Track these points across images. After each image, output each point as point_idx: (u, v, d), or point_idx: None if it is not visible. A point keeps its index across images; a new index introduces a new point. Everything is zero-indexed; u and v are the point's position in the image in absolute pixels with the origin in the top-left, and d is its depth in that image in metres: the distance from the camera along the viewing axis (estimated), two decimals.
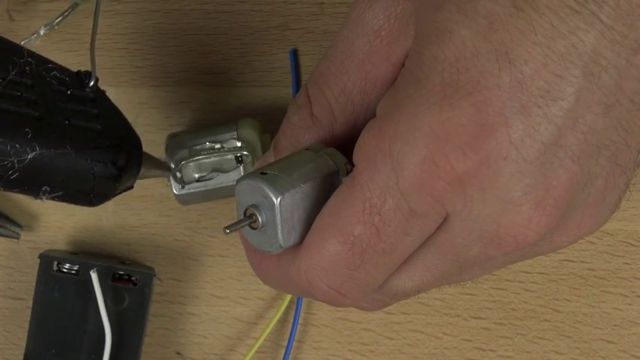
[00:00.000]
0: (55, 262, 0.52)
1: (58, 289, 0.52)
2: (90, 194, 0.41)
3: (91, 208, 0.54)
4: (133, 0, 0.55)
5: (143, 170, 0.44)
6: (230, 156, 0.50)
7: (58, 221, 0.55)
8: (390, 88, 0.35)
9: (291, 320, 0.53)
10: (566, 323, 0.53)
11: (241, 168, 0.50)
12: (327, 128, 0.38)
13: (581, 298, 0.53)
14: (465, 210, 0.34)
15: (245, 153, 0.50)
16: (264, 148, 0.51)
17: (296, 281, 0.37)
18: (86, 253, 0.55)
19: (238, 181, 0.37)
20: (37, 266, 0.52)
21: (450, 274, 0.38)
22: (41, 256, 0.53)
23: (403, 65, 0.35)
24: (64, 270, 0.52)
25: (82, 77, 0.43)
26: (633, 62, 0.33)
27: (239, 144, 0.51)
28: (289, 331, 0.53)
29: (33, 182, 0.39)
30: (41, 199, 0.40)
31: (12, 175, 0.38)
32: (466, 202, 0.33)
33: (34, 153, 0.38)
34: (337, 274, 0.36)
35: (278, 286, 0.41)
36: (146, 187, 0.54)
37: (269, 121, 0.52)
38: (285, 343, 0.54)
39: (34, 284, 0.52)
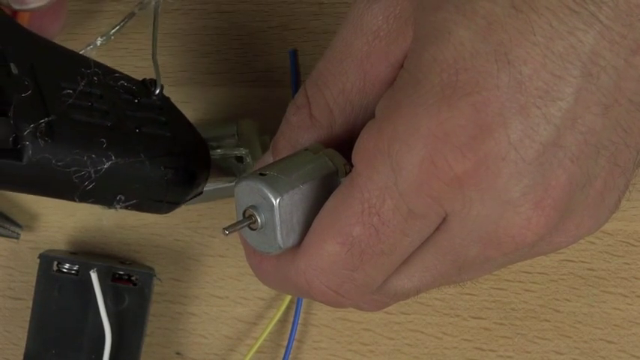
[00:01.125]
0: (55, 262, 0.52)
1: (58, 289, 0.52)
2: (163, 201, 0.42)
3: (91, 208, 0.55)
4: (133, 0, 0.55)
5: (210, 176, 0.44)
6: (230, 156, 0.50)
7: (58, 221, 0.55)
8: (389, 88, 0.35)
9: (291, 320, 0.53)
10: (566, 323, 0.53)
11: (241, 168, 0.50)
12: (326, 129, 0.38)
13: (581, 298, 0.53)
14: (464, 211, 0.34)
15: (245, 153, 0.50)
16: (264, 148, 0.51)
17: (295, 282, 0.37)
18: (86, 253, 0.55)
19: (237, 182, 0.37)
20: (37, 266, 0.52)
21: (449, 275, 0.38)
22: (41, 256, 0.53)
23: (402, 66, 0.35)
24: (64, 270, 0.52)
25: (147, 85, 0.43)
26: (632, 63, 0.33)
27: (239, 144, 0.50)
28: (289, 331, 0.53)
29: (108, 191, 0.39)
30: (115, 208, 0.40)
31: (88, 185, 0.38)
32: (465, 202, 0.33)
33: (109, 162, 0.38)
34: (336, 274, 0.36)
35: (277, 287, 0.41)
36: None
37: (269, 121, 0.52)
38: (285, 343, 0.54)
39: (34, 284, 0.52)
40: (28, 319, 0.52)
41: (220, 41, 0.54)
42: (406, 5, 0.36)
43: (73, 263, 0.52)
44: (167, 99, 0.44)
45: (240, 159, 0.50)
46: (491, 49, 0.32)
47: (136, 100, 0.42)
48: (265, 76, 0.54)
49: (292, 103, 0.39)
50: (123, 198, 0.40)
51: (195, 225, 0.55)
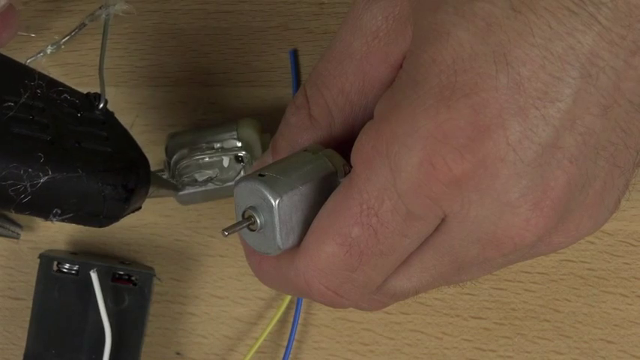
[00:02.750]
0: (55, 262, 0.52)
1: (58, 289, 0.52)
2: (100, 216, 0.42)
3: None
4: (132, 0, 0.55)
5: (151, 190, 0.44)
6: (230, 156, 0.50)
7: None
8: (388, 89, 0.35)
9: (291, 320, 0.53)
10: (566, 323, 0.53)
11: (241, 168, 0.50)
12: (325, 129, 0.38)
13: (581, 298, 0.52)
14: (463, 212, 0.34)
15: (245, 153, 0.50)
16: (264, 148, 0.51)
17: (294, 282, 0.37)
18: (86, 253, 0.55)
19: (236, 183, 0.37)
20: (37, 266, 0.52)
21: (448, 275, 0.38)
22: (41, 256, 0.53)
23: (401, 66, 0.35)
24: (64, 270, 0.52)
25: (91, 99, 0.43)
26: (631, 63, 0.33)
27: (239, 144, 0.50)
28: (289, 331, 0.53)
29: (44, 205, 0.39)
30: (52, 220, 0.40)
31: (24, 198, 0.38)
32: (463, 203, 0.33)
33: (46, 177, 0.38)
34: (335, 275, 0.36)
35: (277, 287, 0.41)
36: None
37: (269, 121, 0.52)
38: (285, 343, 0.54)
39: (34, 284, 0.52)
40: (28, 319, 0.52)
41: (220, 41, 0.54)
42: (405, 6, 0.36)
43: (73, 263, 0.52)
44: (111, 114, 0.43)
45: (240, 159, 0.50)
46: (490, 50, 0.32)
47: (79, 114, 0.42)
48: (265, 76, 0.54)
49: (291, 103, 0.39)
50: (59, 212, 0.40)
51: (195, 225, 0.55)
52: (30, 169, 0.37)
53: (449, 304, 0.53)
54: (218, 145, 0.51)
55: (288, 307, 0.54)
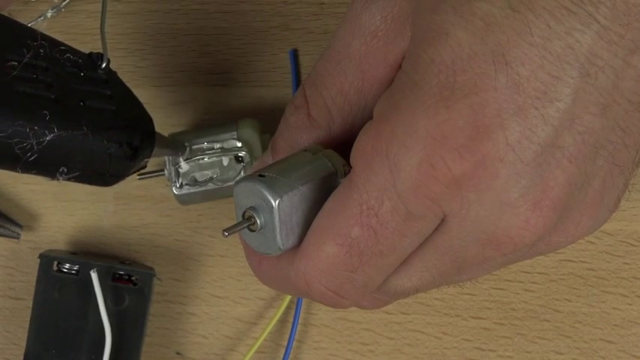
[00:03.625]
0: (55, 262, 0.52)
1: (58, 289, 0.52)
2: (105, 174, 0.42)
3: (91, 208, 0.55)
4: (133, 0, 0.55)
5: (156, 149, 0.44)
6: (230, 156, 0.50)
7: (58, 221, 0.55)
8: (387, 89, 0.35)
9: (291, 320, 0.53)
10: (566, 323, 0.53)
11: (241, 168, 0.50)
12: (324, 129, 0.38)
13: (581, 298, 0.52)
14: (462, 212, 0.34)
15: (245, 153, 0.50)
16: (264, 148, 0.51)
17: (294, 283, 0.37)
18: (86, 253, 0.55)
19: (236, 183, 0.37)
20: (37, 266, 0.52)
21: (448, 275, 0.38)
22: (41, 256, 0.53)
23: (400, 66, 0.35)
24: (64, 270, 0.52)
25: (94, 59, 0.43)
26: (630, 62, 0.33)
27: (239, 144, 0.50)
28: (289, 331, 0.53)
29: (51, 164, 0.39)
30: (58, 179, 0.40)
31: (30, 156, 0.38)
32: (463, 203, 0.33)
33: (52, 135, 0.38)
34: (335, 276, 0.36)
35: (277, 288, 0.41)
36: (146, 187, 0.54)
37: (269, 121, 0.52)
38: (285, 343, 0.54)
39: (34, 284, 0.52)
40: (28, 319, 0.52)
41: (220, 41, 0.54)
42: (404, 6, 0.36)
43: (73, 263, 0.52)
44: (114, 73, 0.44)
45: (240, 159, 0.50)
46: (488, 50, 0.32)
47: (82, 74, 0.42)
48: (265, 76, 0.54)
49: (290, 103, 0.39)
50: (65, 170, 0.40)
51: (195, 225, 0.55)
52: (36, 127, 0.38)
53: (449, 304, 0.53)
54: (218, 145, 0.51)
55: (288, 307, 0.54)
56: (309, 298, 0.39)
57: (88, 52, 0.43)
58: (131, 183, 0.54)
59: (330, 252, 0.36)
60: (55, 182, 0.54)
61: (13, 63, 0.38)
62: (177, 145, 0.49)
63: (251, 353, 0.53)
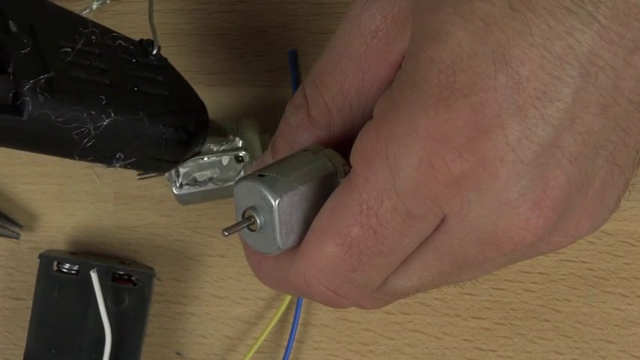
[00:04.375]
0: (55, 262, 0.52)
1: (58, 289, 0.52)
2: (161, 160, 0.42)
3: (91, 208, 0.55)
4: (133, 0, 0.55)
5: (208, 136, 0.44)
6: (230, 156, 0.50)
7: (58, 221, 0.55)
8: (387, 89, 0.35)
9: (291, 320, 0.53)
10: (566, 323, 0.53)
11: (241, 168, 0.50)
12: (324, 129, 0.38)
13: (581, 298, 0.52)
14: (462, 212, 0.34)
15: (245, 153, 0.50)
16: (264, 148, 0.51)
17: (294, 283, 0.37)
18: (86, 253, 0.55)
19: (236, 183, 0.37)
20: (37, 266, 0.52)
21: (448, 275, 0.38)
22: (41, 256, 0.53)
23: (400, 66, 0.35)
24: (64, 270, 0.52)
25: (145, 45, 0.43)
26: (630, 62, 0.33)
27: (239, 144, 0.51)
28: (289, 331, 0.53)
29: (108, 149, 0.39)
30: (115, 166, 0.40)
31: (88, 142, 0.38)
32: (463, 203, 0.33)
33: (109, 119, 0.38)
34: (335, 275, 0.36)
35: (277, 287, 0.41)
36: (146, 187, 0.54)
37: (269, 121, 0.52)
38: (285, 343, 0.54)
39: (34, 284, 0.52)
40: (28, 319, 0.52)
41: (220, 41, 0.54)
42: (404, 6, 0.36)
43: (73, 263, 0.52)
44: (164, 59, 0.44)
45: (240, 159, 0.50)
46: (488, 50, 0.32)
47: (134, 60, 0.42)
48: (265, 76, 0.54)
49: (290, 103, 0.39)
50: (122, 156, 0.40)
51: (195, 225, 0.55)
52: (93, 112, 0.38)
53: (449, 304, 0.53)
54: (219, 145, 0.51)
55: (288, 307, 0.54)
56: (309, 298, 0.39)
57: (138, 39, 0.43)
58: (131, 183, 0.54)
59: (330, 252, 0.36)
60: (54, 182, 0.55)
61: (67, 49, 0.38)
62: (226, 132, 0.49)
63: (251, 353, 0.53)
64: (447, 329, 0.53)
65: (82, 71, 0.38)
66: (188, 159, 0.44)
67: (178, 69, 0.48)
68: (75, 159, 0.39)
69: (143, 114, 0.40)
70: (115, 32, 0.42)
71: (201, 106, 0.44)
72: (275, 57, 0.54)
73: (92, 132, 0.38)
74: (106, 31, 0.41)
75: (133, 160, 0.40)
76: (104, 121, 0.38)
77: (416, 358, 0.54)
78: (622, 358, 0.52)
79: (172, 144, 0.41)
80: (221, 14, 0.54)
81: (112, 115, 0.38)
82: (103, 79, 0.39)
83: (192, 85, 0.45)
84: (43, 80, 0.36)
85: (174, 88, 0.43)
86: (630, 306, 0.52)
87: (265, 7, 0.54)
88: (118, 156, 0.40)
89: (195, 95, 0.44)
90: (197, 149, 0.44)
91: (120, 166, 0.40)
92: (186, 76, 0.45)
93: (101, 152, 0.39)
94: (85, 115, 0.37)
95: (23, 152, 0.39)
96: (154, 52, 0.43)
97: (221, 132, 0.48)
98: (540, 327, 0.53)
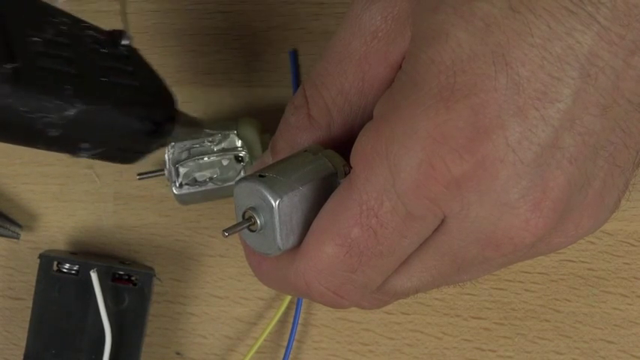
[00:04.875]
0: (55, 262, 0.53)
1: (58, 289, 0.52)
2: (128, 151, 0.42)
3: (91, 208, 0.55)
4: (133, 0, 0.55)
5: (177, 127, 0.44)
6: (230, 156, 0.50)
7: (58, 221, 0.55)
8: (387, 90, 0.35)
9: (291, 320, 0.53)
10: (566, 323, 0.53)
11: (241, 168, 0.50)
12: (324, 129, 0.38)
13: (581, 298, 0.52)
14: (462, 212, 0.34)
15: (245, 153, 0.50)
16: (264, 148, 0.51)
17: (294, 283, 0.37)
18: (86, 253, 0.55)
19: (237, 183, 0.37)
20: (37, 266, 0.52)
21: (448, 275, 0.38)
22: (41, 256, 0.53)
23: (400, 67, 0.35)
24: (64, 270, 0.52)
25: (115, 36, 0.43)
26: (630, 63, 0.33)
27: (239, 144, 0.50)
28: (289, 331, 0.53)
29: (74, 139, 0.39)
30: (80, 156, 0.40)
31: (54, 132, 0.38)
32: (463, 204, 0.33)
33: (75, 110, 0.38)
34: (335, 276, 0.36)
35: (277, 288, 0.41)
36: (146, 187, 0.54)
37: (269, 121, 0.52)
38: (285, 343, 0.54)
39: (34, 284, 0.52)
40: (28, 319, 0.52)
41: (220, 41, 0.54)
42: (404, 6, 0.36)
43: (73, 263, 0.52)
44: (134, 50, 0.44)
45: (240, 159, 0.50)
46: (489, 50, 0.32)
47: (103, 50, 0.42)
48: (265, 76, 0.54)
49: (290, 103, 0.39)
50: (87, 146, 0.40)
51: (195, 225, 0.55)
52: (59, 102, 0.38)
53: (449, 304, 0.53)
54: (218, 145, 0.51)
55: (288, 307, 0.54)
56: (309, 299, 0.39)
57: (108, 29, 0.43)
58: (131, 183, 0.54)
59: (330, 252, 0.36)
60: (54, 182, 0.55)
61: (35, 39, 0.38)
62: (197, 123, 0.49)
63: (251, 353, 0.53)
64: (446, 329, 0.53)
65: (50, 61, 0.38)
66: (155, 150, 0.43)
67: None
68: (40, 148, 0.39)
69: (110, 104, 0.40)
70: (85, 22, 0.42)
71: (169, 97, 0.44)
72: (275, 57, 0.54)
73: (58, 122, 0.38)
74: (76, 21, 0.41)
75: (100, 150, 0.40)
76: (70, 111, 0.38)
77: (416, 358, 0.54)
78: (622, 358, 0.52)
79: (139, 135, 0.41)
80: (221, 14, 0.54)
81: (78, 105, 0.38)
82: (70, 69, 0.39)
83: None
84: (10, 69, 0.36)
85: (142, 78, 0.42)
86: (630, 306, 0.52)
87: (265, 7, 0.54)
88: (83, 146, 0.40)
89: (165, 86, 0.44)
90: (163, 140, 0.44)
91: (86, 157, 0.40)
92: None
93: (67, 142, 0.39)
94: (50, 105, 0.37)
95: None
96: (124, 42, 0.43)
97: (192, 123, 0.48)
98: (540, 327, 0.53)
